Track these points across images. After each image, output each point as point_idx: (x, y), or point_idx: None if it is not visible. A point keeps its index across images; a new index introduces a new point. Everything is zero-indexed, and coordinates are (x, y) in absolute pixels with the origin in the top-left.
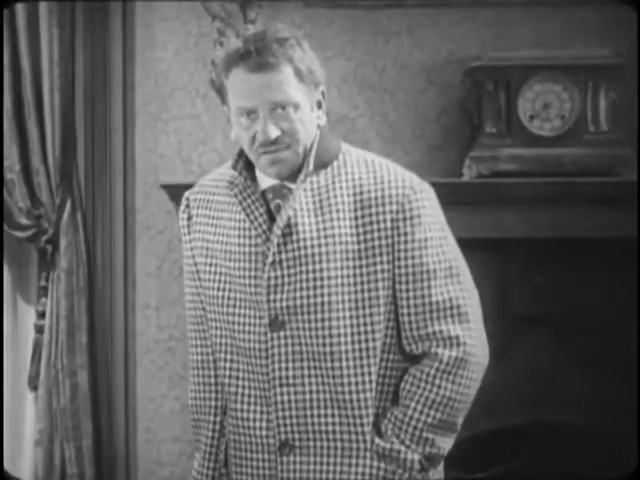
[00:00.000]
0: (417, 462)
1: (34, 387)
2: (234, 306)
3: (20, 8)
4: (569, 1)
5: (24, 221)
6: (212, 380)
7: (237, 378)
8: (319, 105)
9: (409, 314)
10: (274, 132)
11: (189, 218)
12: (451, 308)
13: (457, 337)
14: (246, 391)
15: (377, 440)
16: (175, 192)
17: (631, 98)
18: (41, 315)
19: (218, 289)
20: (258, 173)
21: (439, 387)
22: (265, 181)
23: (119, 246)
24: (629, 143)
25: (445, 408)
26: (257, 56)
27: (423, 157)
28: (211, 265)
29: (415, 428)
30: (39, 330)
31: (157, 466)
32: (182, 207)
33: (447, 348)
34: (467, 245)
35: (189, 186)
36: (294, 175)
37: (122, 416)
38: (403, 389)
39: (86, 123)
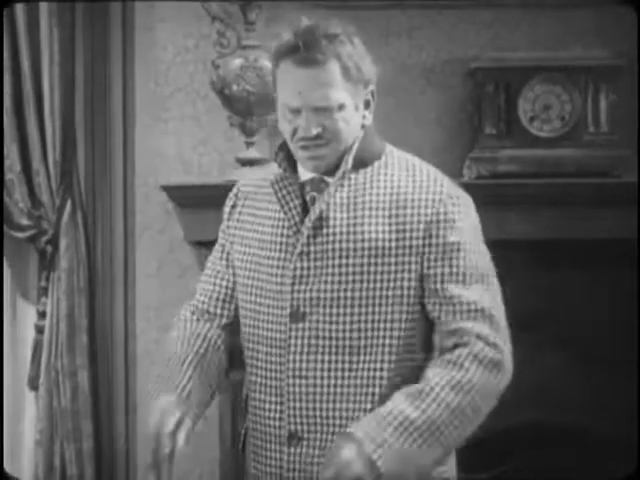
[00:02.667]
0: None
1: (34, 387)
2: (259, 295)
3: (20, 8)
4: (569, 2)
5: (24, 222)
6: (194, 331)
7: (257, 367)
8: (366, 105)
9: (440, 311)
10: (315, 130)
11: (233, 206)
12: (482, 311)
13: (488, 336)
14: (263, 381)
15: None
16: (175, 193)
17: (631, 99)
18: (42, 315)
19: (248, 277)
20: (299, 165)
21: (467, 370)
22: (305, 173)
23: (119, 247)
24: (629, 144)
25: (466, 395)
26: (305, 51)
27: (423, 158)
28: (245, 254)
29: None
30: (39, 330)
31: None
32: (231, 194)
33: (481, 340)
34: None
35: (189, 187)
36: (333, 170)
37: (122, 417)
38: (426, 374)
39: (86, 123)
